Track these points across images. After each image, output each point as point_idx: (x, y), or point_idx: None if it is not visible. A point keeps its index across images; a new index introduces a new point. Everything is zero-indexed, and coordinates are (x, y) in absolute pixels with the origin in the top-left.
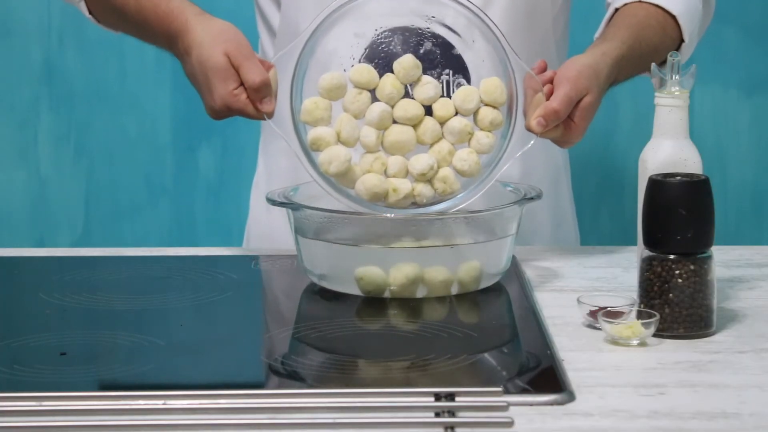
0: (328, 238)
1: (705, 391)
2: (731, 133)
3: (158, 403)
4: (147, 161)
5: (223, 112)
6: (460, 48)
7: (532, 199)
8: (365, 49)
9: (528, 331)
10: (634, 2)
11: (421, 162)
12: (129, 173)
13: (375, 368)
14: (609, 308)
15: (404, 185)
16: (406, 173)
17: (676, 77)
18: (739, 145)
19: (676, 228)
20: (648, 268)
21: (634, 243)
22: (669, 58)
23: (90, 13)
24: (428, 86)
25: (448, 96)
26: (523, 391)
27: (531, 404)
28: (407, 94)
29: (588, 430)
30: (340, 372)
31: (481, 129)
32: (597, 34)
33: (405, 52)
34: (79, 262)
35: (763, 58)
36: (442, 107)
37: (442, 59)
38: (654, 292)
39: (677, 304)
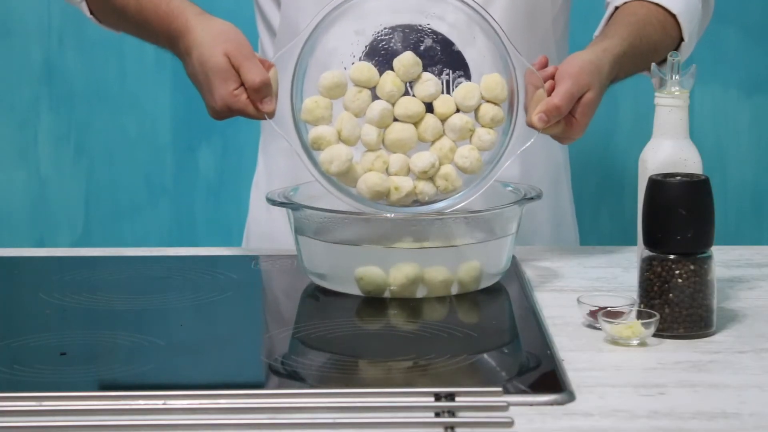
0: (328, 238)
1: (705, 391)
2: (731, 133)
3: (158, 403)
4: (147, 161)
5: (224, 113)
6: (460, 45)
7: (532, 199)
8: (365, 47)
9: (528, 331)
10: (635, 1)
11: (422, 160)
12: (129, 173)
13: (375, 368)
14: (609, 308)
15: (406, 183)
16: (408, 171)
17: (676, 77)
18: (739, 145)
19: (676, 228)
20: (648, 268)
21: (634, 243)
22: (669, 58)
23: (91, 13)
24: (429, 83)
25: (449, 93)
26: (523, 391)
27: (531, 404)
28: (408, 92)
29: (588, 430)
30: (340, 372)
31: (483, 126)
32: (597, 33)
33: (405, 49)
34: (79, 262)
35: (763, 58)
36: (442, 104)
37: (443, 56)
38: (654, 292)
39: (677, 304)
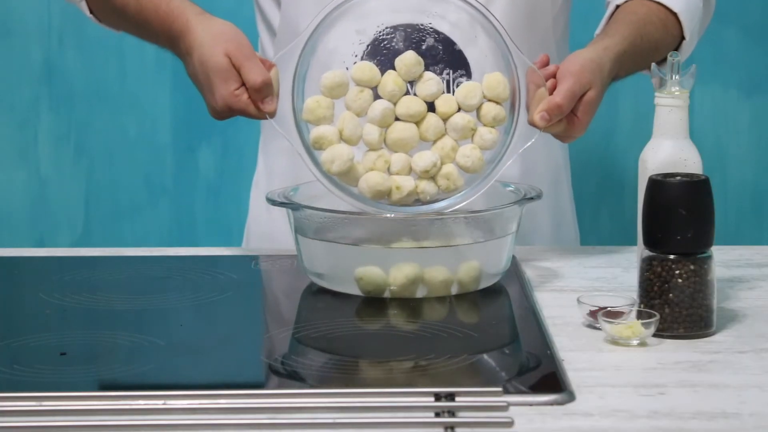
0: (328, 238)
1: (705, 391)
2: (731, 133)
3: (158, 403)
4: (147, 161)
5: (225, 113)
6: (462, 44)
7: (532, 199)
8: (367, 47)
9: (528, 331)
10: None
11: (424, 159)
12: (129, 173)
13: (375, 368)
14: (609, 308)
15: (407, 182)
16: (410, 170)
17: (676, 77)
18: (739, 145)
19: (676, 228)
20: (648, 268)
21: (634, 243)
22: (669, 58)
23: (91, 12)
24: (430, 83)
25: (450, 93)
26: (523, 391)
27: (531, 404)
28: (409, 92)
29: (588, 430)
30: (340, 372)
31: (484, 125)
32: (598, 31)
33: (407, 48)
34: (79, 262)
35: (763, 58)
36: (444, 103)
37: (444, 55)
38: (654, 292)
39: (677, 304)
